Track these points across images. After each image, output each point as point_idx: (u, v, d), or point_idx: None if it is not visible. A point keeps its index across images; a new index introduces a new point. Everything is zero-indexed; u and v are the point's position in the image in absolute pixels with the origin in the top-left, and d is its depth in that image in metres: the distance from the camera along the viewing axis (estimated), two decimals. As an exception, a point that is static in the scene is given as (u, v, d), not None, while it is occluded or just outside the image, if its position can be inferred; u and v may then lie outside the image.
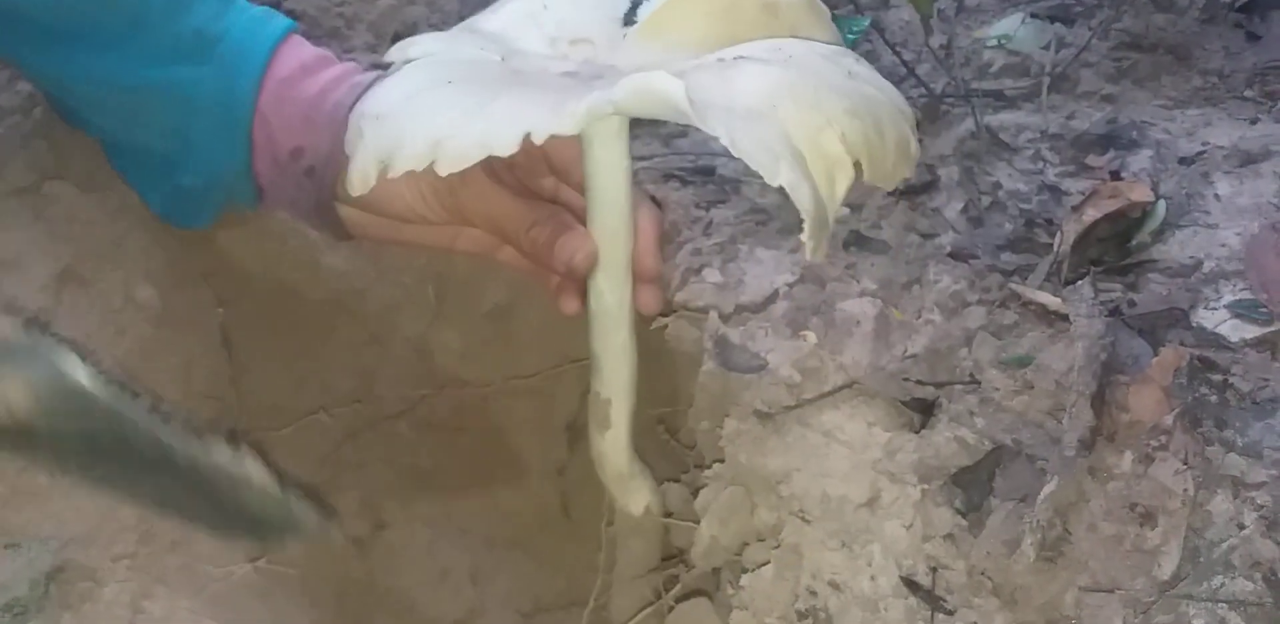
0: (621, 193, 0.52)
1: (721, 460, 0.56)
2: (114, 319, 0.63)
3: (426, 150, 0.42)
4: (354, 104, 0.50)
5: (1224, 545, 0.47)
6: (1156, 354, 0.52)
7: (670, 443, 0.65)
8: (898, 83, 0.80)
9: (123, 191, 0.69)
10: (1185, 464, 0.49)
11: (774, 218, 0.71)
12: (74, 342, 0.61)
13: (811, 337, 0.61)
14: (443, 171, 0.42)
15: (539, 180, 0.60)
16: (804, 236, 0.43)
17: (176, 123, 0.58)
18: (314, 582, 0.62)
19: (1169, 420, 0.51)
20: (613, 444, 0.58)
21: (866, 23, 0.70)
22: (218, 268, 0.70)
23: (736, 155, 0.42)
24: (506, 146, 0.41)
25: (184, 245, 0.69)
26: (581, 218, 0.54)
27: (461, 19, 0.56)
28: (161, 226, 0.69)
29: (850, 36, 0.70)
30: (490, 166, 0.55)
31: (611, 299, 0.54)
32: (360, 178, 0.46)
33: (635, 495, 0.60)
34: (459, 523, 0.70)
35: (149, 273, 0.66)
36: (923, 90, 0.76)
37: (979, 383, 0.56)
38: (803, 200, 0.42)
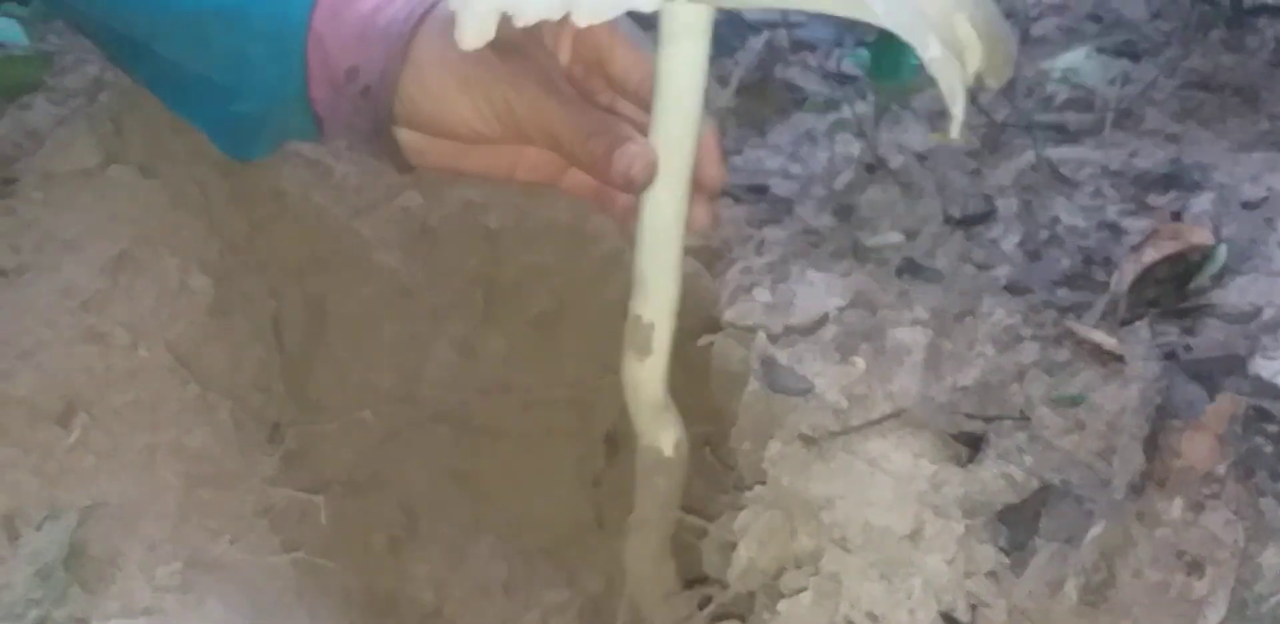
0: (695, 97, 0.48)
1: (763, 483, 0.56)
2: (168, 304, 0.64)
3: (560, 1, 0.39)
4: (410, 20, 0.51)
5: (1273, 600, 0.47)
6: (1212, 401, 0.52)
7: (711, 462, 0.64)
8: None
9: (182, 178, 0.69)
10: (1236, 515, 0.49)
11: (826, 240, 0.71)
12: (128, 324, 0.62)
13: (860, 363, 0.60)
14: (581, 23, 0.40)
15: (596, 95, 0.58)
16: (953, 112, 0.41)
17: (233, 47, 0.57)
18: (348, 579, 0.62)
19: (1222, 469, 0.50)
20: (651, 372, 0.54)
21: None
22: (271, 260, 0.71)
23: (884, 25, 0.39)
24: (650, 2, 0.39)
25: (240, 236, 0.70)
26: (643, 132, 0.51)
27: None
28: (219, 216, 0.70)
29: (915, 62, 0.70)
30: (548, 78, 0.54)
31: (670, 213, 0.50)
32: (476, 27, 0.41)
33: (668, 430, 0.56)
34: (493, 528, 0.70)
35: (204, 262, 0.66)
36: (985, 118, 0.76)
37: (1029, 419, 0.56)
38: (950, 76, 0.41)
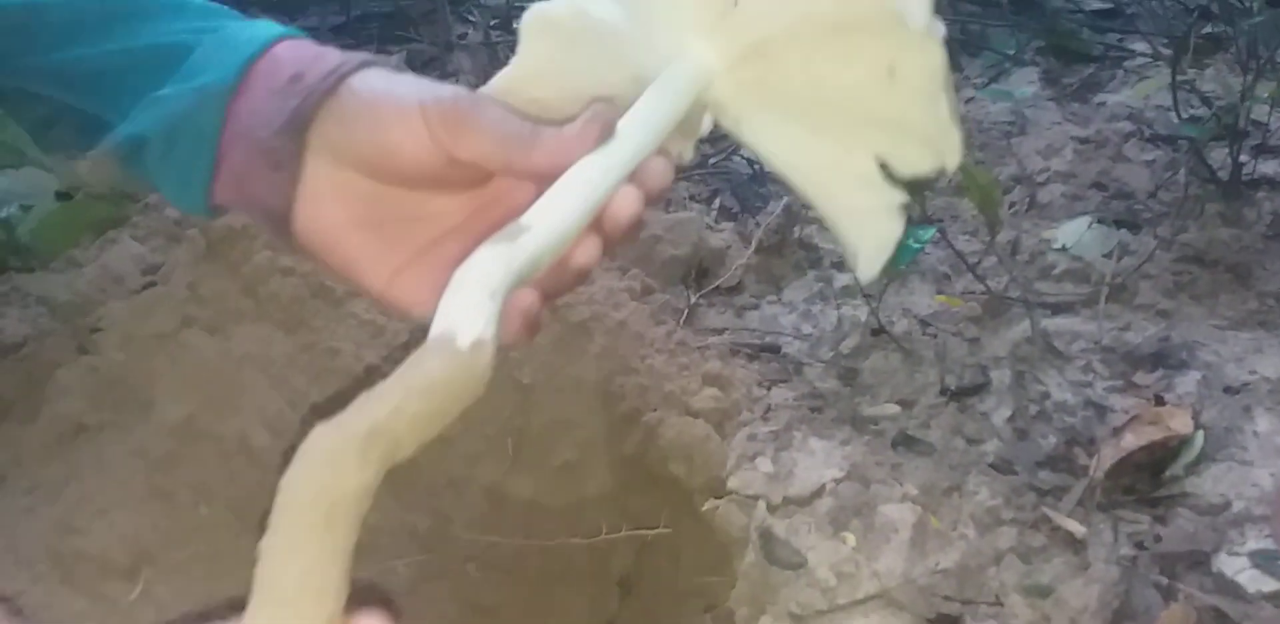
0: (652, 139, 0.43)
1: (754, 658, 0.61)
2: (229, 464, 0.71)
3: None
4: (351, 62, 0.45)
5: None
6: (1168, 605, 0.56)
7: (709, 622, 0.69)
8: (958, 277, 0.86)
9: (248, 338, 0.77)
10: (1186, 718, 0.53)
11: (829, 405, 0.76)
12: (192, 484, 0.70)
13: (851, 539, 0.65)
14: None
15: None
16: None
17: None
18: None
19: (1175, 672, 0.54)
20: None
21: (931, 233, 0.75)
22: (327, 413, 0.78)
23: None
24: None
25: (298, 392, 0.77)
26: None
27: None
28: (280, 373, 0.78)
29: (915, 246, 0.75)
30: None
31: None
32: None
33: (480, 319, 0.38)
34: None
35: (265, 420, 0.74)
36: (983, 288, 0.81)
37: (1002, 605, 0.60)
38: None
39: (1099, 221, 0.84)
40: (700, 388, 0.78)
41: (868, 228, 0.44)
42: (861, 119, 0.42)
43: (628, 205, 0.42)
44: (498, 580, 0.80)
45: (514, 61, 0.49)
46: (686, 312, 0.86)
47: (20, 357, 0.78)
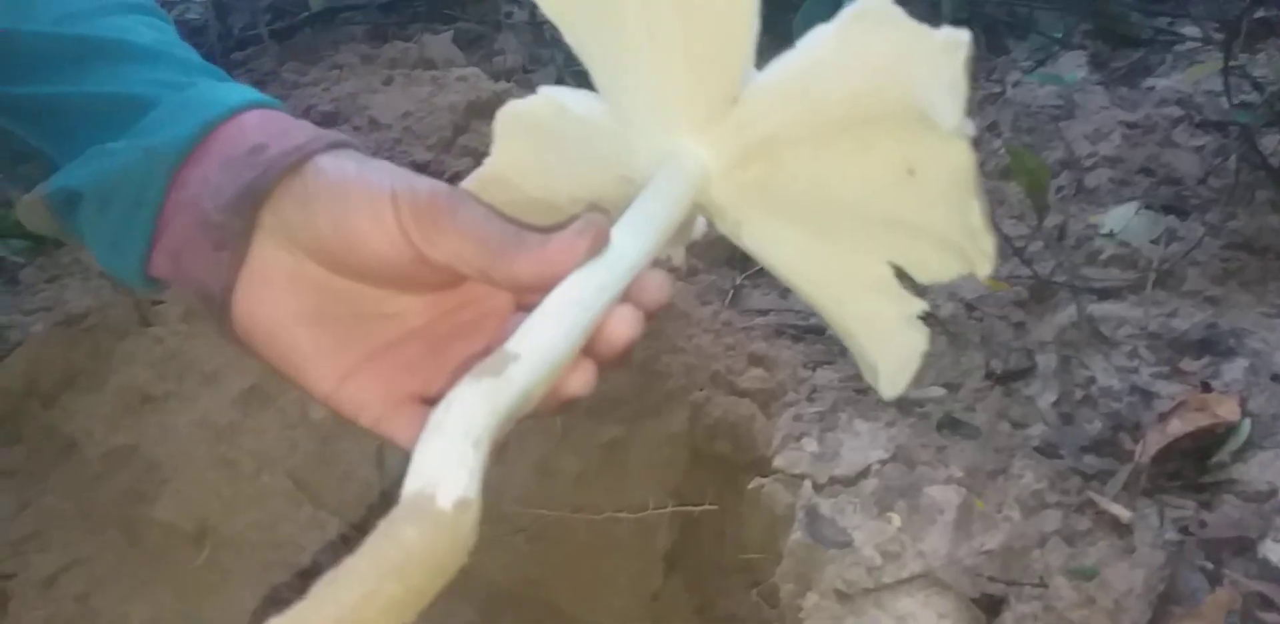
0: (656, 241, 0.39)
1: (800, 631, 0.62)
2: (289, 435, 0.73)
3: None
4: (320, 140, 0.41)
5: None
6: (1214, 590, 0.57)
7: (757, 602, 0.71)
8: (1004, 261, 0.86)
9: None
10: (1228, 700, 0.54)
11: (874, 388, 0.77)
12: (255, 453, 0.72)
13: (896, 519, 0.66)
14: None
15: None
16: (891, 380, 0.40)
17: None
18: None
19: (1218, 655, 0.55)
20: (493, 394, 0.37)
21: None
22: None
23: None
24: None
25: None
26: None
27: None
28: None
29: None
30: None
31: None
32: None
33: (460, 474, 0.34)
34: (558, 633, 0.77)
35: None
36: (1030, 272, 0.81)
37: (1046, 587, 0.61)
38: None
39: (1147, 207, 0.84)
40: (746, 368, 0.79)
41: (886, 341, 0.40)
42: (875, 222, 0.38)
43: (625, 327, 0.38)
44: (545, 552, 0.82)
45: (490, 159, 0.45)
46: (732, 292, 0.87)
47: (86, 327, 0.81)
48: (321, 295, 0.41)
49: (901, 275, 0.38)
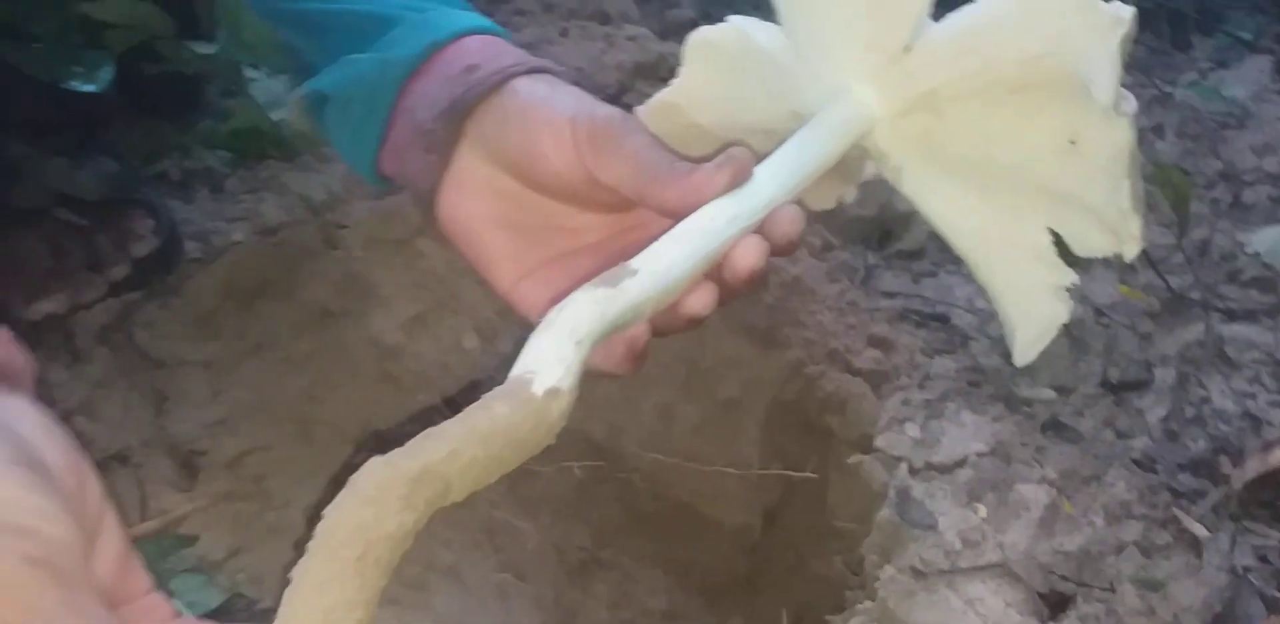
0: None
1: (873, 600, 0.68)
2: (443, 360, 0.82)
3: None
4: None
5: None
6: (1267, 617, 0.60)
7: (840, 569, 0.77)
8: (1143, 269, 0.86)
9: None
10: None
11: (988, 381, 0.80)
12: (414, 372, 0.81)
13: (983, 510, 0.71)
14: None
15: None
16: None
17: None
18: (543, 589, 0.79)
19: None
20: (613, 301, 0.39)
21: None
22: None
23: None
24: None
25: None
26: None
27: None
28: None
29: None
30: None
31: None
32: None
33: (564, 369, 0.35)
34: (662, 566, 0.85)
35: (477, 325, 0.84)
36: (1165, 284, 0.82)
37: (1113, 592, 0.65)
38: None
39: (1301, 232, 0.83)
40: (864, 348, 0.84)
41: (1030, 308, 0.41)
42: (1036, 188, 0.38)
43: (750, 256, 0.40)
44: (657, 492, 0.90)
45: (674, 82, 0.48)
46: (863, 272, 0.91)
47: (278, 241, 0.90)
48: (512, 204, 0.46)
49: (1058, 244, 0.39)
